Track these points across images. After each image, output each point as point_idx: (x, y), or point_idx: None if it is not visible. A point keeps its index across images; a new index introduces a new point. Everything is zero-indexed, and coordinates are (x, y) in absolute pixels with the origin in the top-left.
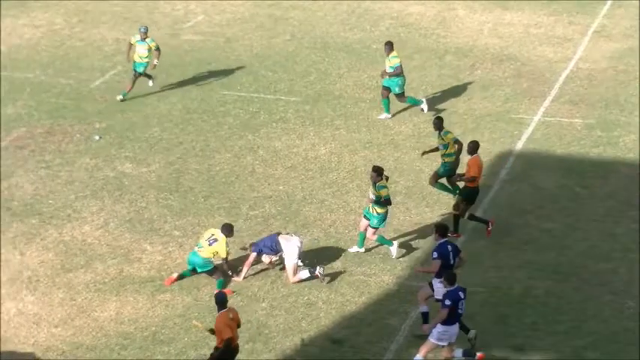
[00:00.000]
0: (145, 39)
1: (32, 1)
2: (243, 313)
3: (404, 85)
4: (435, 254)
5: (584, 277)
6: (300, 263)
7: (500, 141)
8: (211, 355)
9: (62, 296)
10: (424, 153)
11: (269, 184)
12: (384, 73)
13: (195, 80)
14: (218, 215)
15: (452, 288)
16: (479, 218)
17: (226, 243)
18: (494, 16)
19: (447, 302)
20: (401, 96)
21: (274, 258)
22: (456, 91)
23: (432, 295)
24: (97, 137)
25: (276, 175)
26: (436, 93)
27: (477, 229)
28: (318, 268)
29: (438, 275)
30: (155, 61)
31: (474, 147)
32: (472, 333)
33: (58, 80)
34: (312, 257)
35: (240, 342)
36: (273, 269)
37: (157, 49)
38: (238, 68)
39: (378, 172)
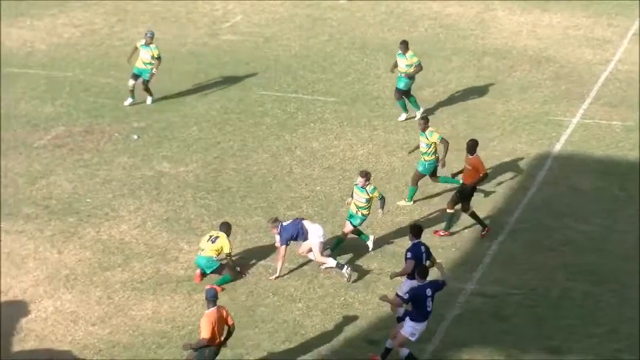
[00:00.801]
0: (149, 44)
1: (72, 1)
2: (279, 312)
3: (410, 85)
4: (409, 254)
5: (621, 280)
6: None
7: (539, 143)
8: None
9: (99, 294)
10: (410, 152)
11: (306, 185)
12: (392, 69)
13: (233, 80)
14: (255, 215)
15: (422, 283)
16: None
17: (227, 239)
18: (534, 18)
19: (406, 296)
20: (402, 93)
21: (304, 247)
22: (494, 92)
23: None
24: (135, 136)
25: (314, 176)
26: (474, 94)
27: (514, 230)
28: (346, 267)
29: (411, 276)
30: (154, 70)
31: (474, 145)
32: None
33: (97, 79)
34: (349, 258)
35: (277, 342)
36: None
37: (159, 57)
38: (276, 68)
39: (366, 177)
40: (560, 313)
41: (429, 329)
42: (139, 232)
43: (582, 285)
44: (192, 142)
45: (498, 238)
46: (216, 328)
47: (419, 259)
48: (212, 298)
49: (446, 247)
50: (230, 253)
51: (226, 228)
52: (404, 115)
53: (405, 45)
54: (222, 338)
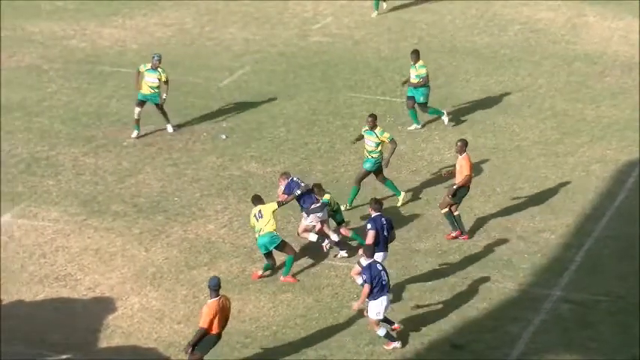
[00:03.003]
0: (157, 68)
1: (163, 1)
2: (363, 315)
3: (428, 95)
4: (370, 225)
5: None
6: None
7: (629, 149)
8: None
9: (185, 293)
10: (355, 141)
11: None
12: (408, 82)
13: (322, 81)
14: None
15: (371, 261)
16: (458, 221)
17: (266, 205)
18: (625, 24)
19: (364, 276)
20: (424, 106)
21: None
22: (585, 98)
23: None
24: (223, 136)
25: (401, 179)
26: (564, 100)
27: (601, 237)
28: (327, 241)
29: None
30: (164, 95)
31: (463, 146)
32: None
33: (187, 79)
34: (435, 263)
35: (361, 344)
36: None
37: (167, 81)
38: (365, 71)
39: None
40: None
41: (514, 333)
42: (225, 231)
43: None
44: (280, 143)
45: (585, 244)
46: (216, 318)
47: (380, 230)
48: (215, 287)
49: (531, 253)
50: (281, 202)
51: (257, 200)
52: (446, 119)
53: (415, 55)
54: (221, 329)
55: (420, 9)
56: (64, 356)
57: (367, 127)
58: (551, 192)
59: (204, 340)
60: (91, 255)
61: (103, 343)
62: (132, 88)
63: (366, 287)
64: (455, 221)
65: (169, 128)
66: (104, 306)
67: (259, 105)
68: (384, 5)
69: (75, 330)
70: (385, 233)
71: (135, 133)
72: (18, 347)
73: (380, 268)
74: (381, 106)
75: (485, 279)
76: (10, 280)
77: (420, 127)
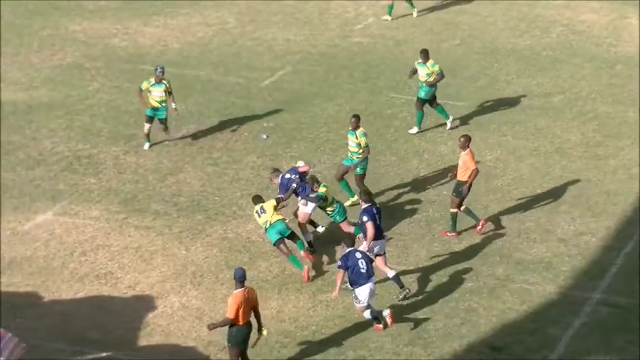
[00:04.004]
0: (161, 80)
1: (205, 0)
2: (403, 315)
3: (432, 93)
4: (365, 217)
5: None
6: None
7: None
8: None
9: (225, 292)
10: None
11: (433, 189)
12: (411, 75)
13: (363, 82)
14: (406, 217)
15: (350, 249)
16: (469, 213)
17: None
18: None
19: (340, 262)
20: (422, 102)
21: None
22: (626, 100)
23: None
24: (264, 136)
25: (441, 180)
26: (606, 102)
27: None
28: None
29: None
30: (174, 105)
31: (466, 142)
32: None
33: (228, 79)
34: (475, 264)
35: (400, 344)
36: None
37: (171, 92)
38: (407, 71)
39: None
40: None
41: (554, 335)
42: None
43: None
44: (321, 143)
45: (626, 247)
46: (241, 309)
47: (374, 220)
48: (240, 279)
49: (572, 256)
50: (281, 198)
51: (259, 199)
52: (415, 129)
53: (425, 54)
54: (248, 319)
55: (462, 10)
56: (104, 354)
57: (350, 128)
58: (592, 195)
59: (235, 334)
60: (131, 253)
61: (143, 342)
62: (173, 88)
63: (340, 273)
64: (456, 222)
65: (168, 134)
66: (144, 304)
67: (300, 105)
68: (414, 11)
69: (115, 328)
70: (379, 222)
71: (146, 146)
72: (59, 344)
73: (359, 256)
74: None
75: (526, 281)
76: (51, 277)
77: (450, 121)
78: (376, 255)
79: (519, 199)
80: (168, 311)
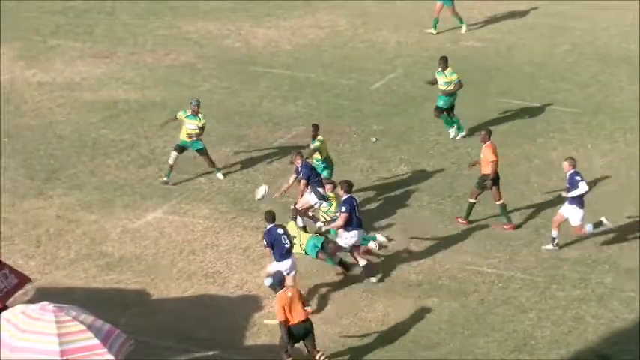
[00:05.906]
0: (196, 114)
1: (317, 2)
2: (509, 322)
3: (451, 103)
4: (343, 208)
5: None
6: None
7: None
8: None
9: (335, 295)
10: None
11: (542, 194)
12: (432, 83)
13: (472, 86)
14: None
15: (270, 226)
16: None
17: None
18: None
19: (265, 240)
20: (440, 111)
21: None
22: None
23: None
24: (373, 139)
25: (550, 186)
26: None
27: None
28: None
29: (347, 227)
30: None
31: (487, 134)
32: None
33: (339, 81)
34: (584, 272)
35: (505, 351)
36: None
37: (203, 127)
38: (517, 76)
39: (333, 185)
40: None
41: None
42: (373, 234)
43: None
44: (430, 147)
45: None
46: (287, 308)
47: (352, 211)
48: (277, 282)
49: None
50: (294, 205)
51: (272, 217)
52: (452, 132)
53: (444, 61)
54: (304, 317)
55: (573, 16)
56: (211, 352)
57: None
58: None
59: (294, 333)
60: (239, 253)
61: (249, 341)
62: (284, 89)
63: (267, 250)
64: (470, 212)
65: (219, 176)
66: (251, 304)
67: (410, 109)
68: (463, 27)
69: (222, 327)
70: (357, 214)
71: (165, 179)
72: (167, 341)
73: (281, 232)
74: (533, 112)
75: (634, 290)
76: (160, 275)
77: (462, 134)
78: (354, 245)
79: (629, 206)
80: (275, 311)
